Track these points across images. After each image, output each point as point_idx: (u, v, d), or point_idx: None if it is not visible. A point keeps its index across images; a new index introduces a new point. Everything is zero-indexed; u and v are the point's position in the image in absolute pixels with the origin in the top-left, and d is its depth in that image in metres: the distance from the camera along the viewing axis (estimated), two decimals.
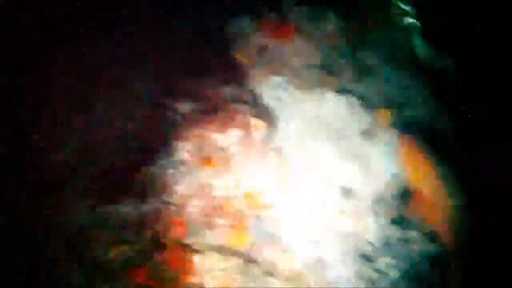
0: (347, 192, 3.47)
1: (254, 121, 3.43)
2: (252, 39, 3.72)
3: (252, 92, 3.60)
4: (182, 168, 3.22)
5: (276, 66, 3.74)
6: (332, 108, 3.65)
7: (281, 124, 3.54)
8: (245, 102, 3.51)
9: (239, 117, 3.41)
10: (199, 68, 3.53)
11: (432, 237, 3.45)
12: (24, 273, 2.88)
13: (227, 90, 3.51)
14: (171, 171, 3.20)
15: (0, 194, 3.00)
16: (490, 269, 3.51)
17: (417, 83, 3.86)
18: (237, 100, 3.51)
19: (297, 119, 3.62)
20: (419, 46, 4.12)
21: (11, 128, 3.19)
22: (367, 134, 3.61)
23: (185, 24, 3.57)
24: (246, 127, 3.38)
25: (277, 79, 3.75)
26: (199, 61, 3.55)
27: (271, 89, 3.73)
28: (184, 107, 3.40)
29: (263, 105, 3.55)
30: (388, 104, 3.74)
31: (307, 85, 3.72)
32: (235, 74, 3.61)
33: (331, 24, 3.75)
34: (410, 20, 4.16)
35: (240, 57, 3.72)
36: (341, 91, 3.72)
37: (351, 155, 3.55)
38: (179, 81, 3.46)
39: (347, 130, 3.61)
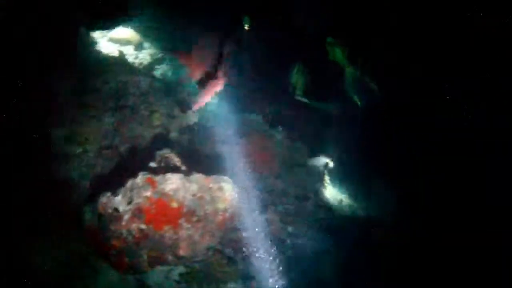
0: None
1: None
2: (124, 223, 2.91)
3: None
4: None
5: (160, 254, 2.99)
6: None
7: None
8: None
9: None
10: None
11: None
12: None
13: None
14: None
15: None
16: None
17: None
18: None
19: None
20: None
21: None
22: None
23: None
24: None
25: (163, 268, 3.02)
26: None
27: (156, 281, 3.01)
28: None
29: None
30: None
31: (203, 275, 3.03)
32: None
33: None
34: None
35: (116, 243, 2.93)
36: (244, 278, 3.08)
37: None
38: None
39: None
